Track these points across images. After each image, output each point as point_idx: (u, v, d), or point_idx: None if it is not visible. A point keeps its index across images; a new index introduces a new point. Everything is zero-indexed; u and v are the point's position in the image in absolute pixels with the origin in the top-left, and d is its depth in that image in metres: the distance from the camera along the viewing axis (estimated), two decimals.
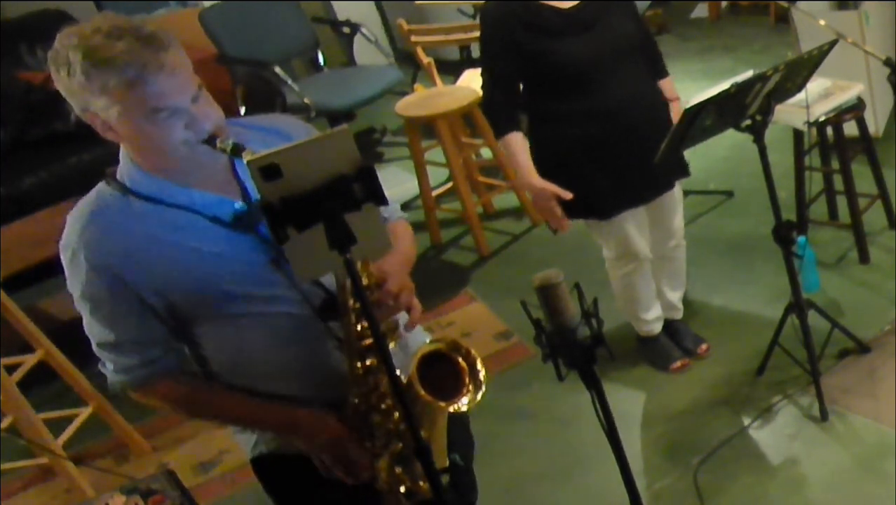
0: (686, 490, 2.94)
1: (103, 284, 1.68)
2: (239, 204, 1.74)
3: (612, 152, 2.99)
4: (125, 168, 1.72)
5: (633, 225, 3.15)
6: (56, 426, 3.36)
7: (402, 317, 1.83)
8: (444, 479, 1.88)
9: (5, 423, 3.19)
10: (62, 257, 1.72)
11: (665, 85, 3.17)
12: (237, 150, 1.61)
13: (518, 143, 2.97)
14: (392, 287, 1.76)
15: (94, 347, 1.79)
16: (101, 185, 1.74)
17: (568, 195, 2.95)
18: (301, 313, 1.77)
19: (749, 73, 2.74)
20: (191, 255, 1.69)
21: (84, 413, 3.45)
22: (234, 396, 1.84)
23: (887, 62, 2.93)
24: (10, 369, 3.22)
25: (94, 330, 1.76)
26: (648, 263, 3.28)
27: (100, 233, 1.67)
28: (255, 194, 1.74)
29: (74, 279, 1.71)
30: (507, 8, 2.89)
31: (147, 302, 1.71)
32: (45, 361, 3.39)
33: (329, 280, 1.78)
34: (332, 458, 1.83)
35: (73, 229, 1.70)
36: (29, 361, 3.33)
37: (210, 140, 1.64)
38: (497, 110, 2.99)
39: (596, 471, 3.03)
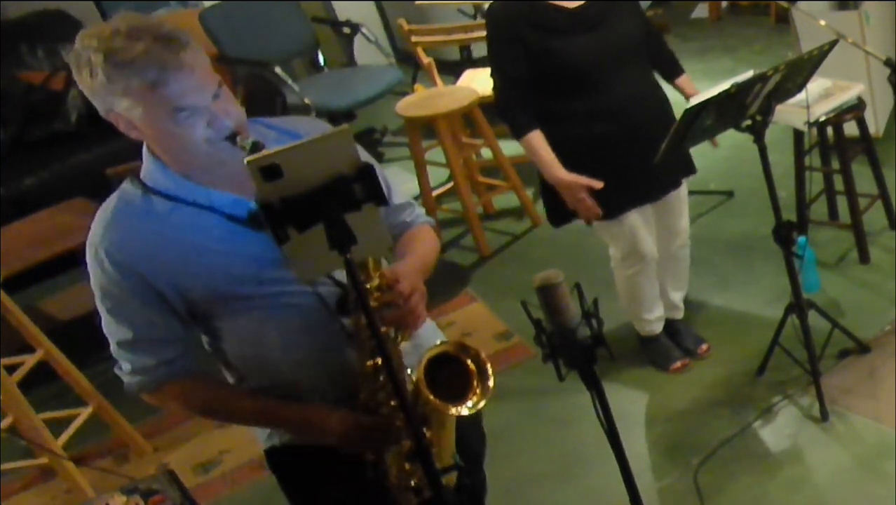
0: (686, 490, 2.94)
1: (123, 282, 1.71)
2: (255, 203, 1.75)
3: (614, 152, 3.00)
4: (147, 167, 1.75)
5: (641, 225, 3.15)
6: (56, 426, 3.36)
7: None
8: (452, 478, 1.88)
9: (5, 423, 3.19)
10: (87, 255, 1.75)
11: (683, 82, 3.20)
12: (256, 148, 1.62)
13: (539, 140, 2.97)
14: (404, 289, 1.76)
15: (112, 348, 1.81)
16: (126, 184, 1.77)
17: (599, 184, 2.95)
18: (316, 308, 1.80)
19: (749, 74, 2.73)
20: (209, 253, 1.72)
21: (84, 413, 3.45)
22: (248, 397, 1.87)
23: (887, 62, 2.93)
24: (11, 369, 3.22)
25: (112, 329, 1.78)
26: (654, 263, 3.28)
27: (121, 231, 1.71)
28: None
29: (96, 277, 1.74)
30: (514, 8, 2.89)
31: (166, 300, 1.73)
32: (45, 361, 3.39)
33: (343, 276, 1.79)
34: (349, 449, 1.84)
35: (97, 227, 1.73)
36: (29, 361, 3.33)
37: (232, 137, 1.67)
38: (512, 110, 2.98)
39: (596, 471, 3.03)
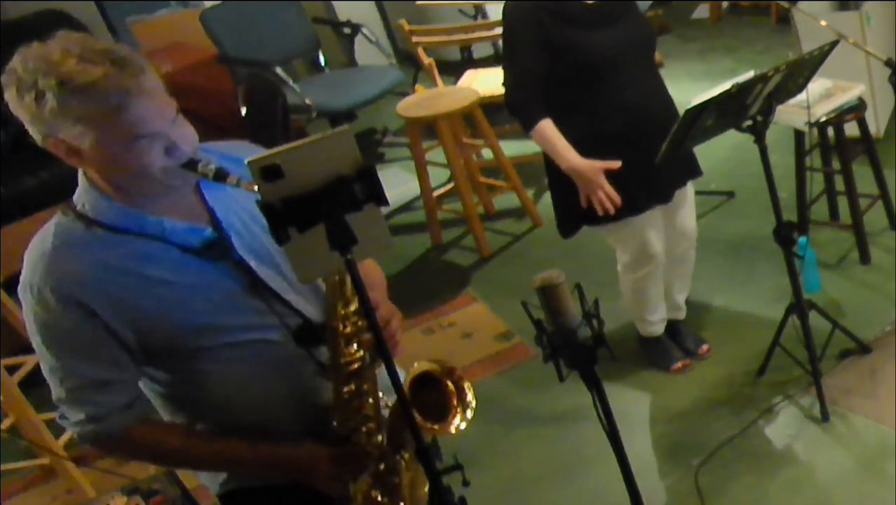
0: (687, 490, 2.94)
1: (71, 319, 1.58)
2: (209, 231, 1.68)
3: (625, 149, 2.97)
4: (86, 197, 1.64)
5: (653, 227, 3.14)
6: (57, 427, 3.33)
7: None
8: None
9: (6, 423, 3.19)
10: (22, 299, 1.62)
11: None
12: (221, 176, 1.56)
13: (551, 129, 2.94)
14: (384, 314, 1.76)
15: (57, 397, 1.67)
16: (59, 217, 1.65)
17: (616, 164, 2.91)
18: (280, 340, 1.73)
19: (750, 74, 2.74)
20: (162, 286, 1.62)
21: None
22: (216, 441, 1.78)
23: (888, 63, 2.93)
24: (11, 370, 3.23)
25: (59, 375, 1.64)
26: (662, 266, 3.27)
27: (66, 264, 1.59)
28: (224, 221, 1.69)
29: (37, 318, 1.61)
30: (532, 3, 2.90)
31: (119, 337, 1.62)
32: None
33: (306, 308, 1.76)
34: (326, 486, 1.79)
35: (34, 266, 1.61)
36: (30, 361, 3.34)
37: (190, 164, 1.58)
38: (523, 103, 2.96)
39: (597, 471, 3.03)
